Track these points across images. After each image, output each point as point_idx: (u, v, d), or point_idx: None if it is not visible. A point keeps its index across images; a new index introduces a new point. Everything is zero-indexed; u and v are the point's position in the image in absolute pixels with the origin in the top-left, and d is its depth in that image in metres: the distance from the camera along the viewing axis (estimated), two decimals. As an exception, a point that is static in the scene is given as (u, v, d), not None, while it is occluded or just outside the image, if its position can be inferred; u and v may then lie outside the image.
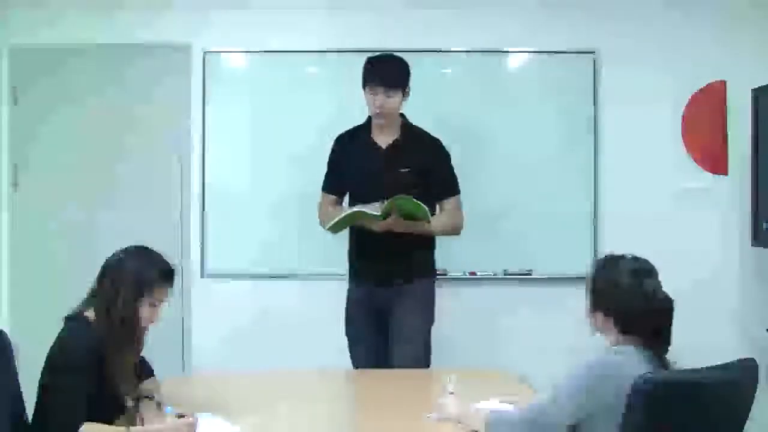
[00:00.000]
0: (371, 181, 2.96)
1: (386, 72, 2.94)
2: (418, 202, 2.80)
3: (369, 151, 3.01)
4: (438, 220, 3.00)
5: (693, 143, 3.78)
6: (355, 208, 2.85)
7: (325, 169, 3.16)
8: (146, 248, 2.09)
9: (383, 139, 3.01)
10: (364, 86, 2.96)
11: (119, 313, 1.97)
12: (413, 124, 3.08)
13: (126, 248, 2.08)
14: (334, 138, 3.15)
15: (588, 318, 1.97)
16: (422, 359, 2.97)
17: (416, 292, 3.03)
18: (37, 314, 3.58)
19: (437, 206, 3.06)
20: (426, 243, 3.07)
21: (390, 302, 3.00)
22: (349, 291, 3.14)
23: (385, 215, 2.80)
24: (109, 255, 2.08)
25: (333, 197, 3.12)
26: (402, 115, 3.05)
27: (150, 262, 2.05)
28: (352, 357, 3.09)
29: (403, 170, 2.95)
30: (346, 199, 3.15)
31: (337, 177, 3.09)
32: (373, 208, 2.82)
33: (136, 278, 2.00)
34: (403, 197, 2.77)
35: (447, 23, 3.77)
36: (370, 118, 3.05)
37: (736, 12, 3.75)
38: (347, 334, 3.11)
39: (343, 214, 2.87)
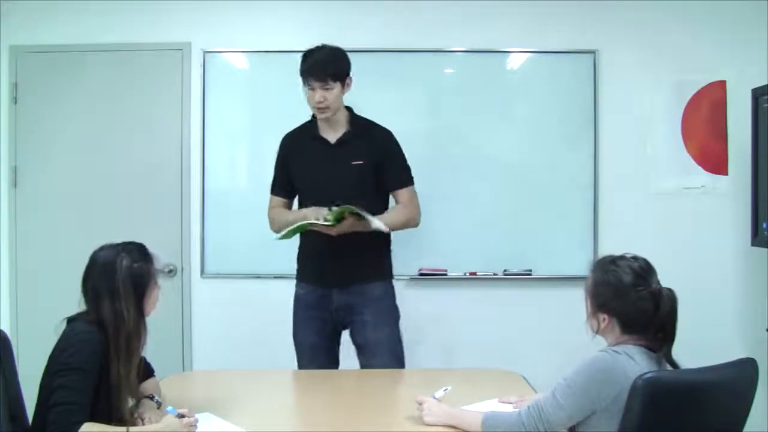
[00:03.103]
0: (321, 177, 2.86)
1: (320, 64, 2.78)
2: (362, 212, 2.68)
3: (317, 147, 2.89)
4: (392, 214, 2.87)
5: (693, 143, 3.78)
6: (304, 222, 2.70)
7: None
8: (116, 245, 2.04)
9: (331, 134, 2.89)
10: (303, 82, 2.82)
11: (129, 324, 1.96)
12: (361, 116, 2.96)
13: (101, 252, 2.02)
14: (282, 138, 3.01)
15: (589, 319, 1.96)
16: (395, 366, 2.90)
17: (376, 297, 2.91)
18: (37, 314, 3.60)
19: (392, 198, 2.97)
20: (381, 242, 2.94)
21: (350, 306, 2.88)
22: (299, 293, 2.99)
23: (337, 220, 2.67)
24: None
25: (283, 200, 2.98)
26: (348, 109, 2.94)
27: (135, 257, 2.01)
28: (300, 361, 2.96)
29: (355, 163, 2.84)
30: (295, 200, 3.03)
31: (286, 178, 2.96)
32: (321, 215, 2.69)
33: (133, 282, 1.98)
34: (350, 207, 2.65)
35: (447, 23, 3.77)
36: (314, 115, 2.92)
37: (735, 12, 3.74)
38: (296, 337, 2.97)
39: (293, 227, 2.73)
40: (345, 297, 2.89)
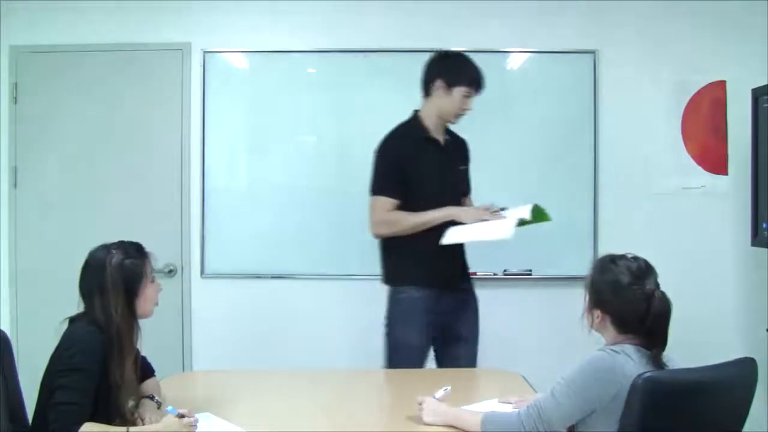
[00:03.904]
0: (441, 179, 2.94)
1: (483, 78, 2.94)
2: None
3: (435, 149, 2.96)
4: None
5: (693, 143, 3.78)
6: (521, 216, 2.82)
7: (377, 171, 2.92)
8: (110, 244, 2.03)
9: (439, 137, 2.99)
10: (454, 84, 2.89)
11: (117, 322, 1.96)
12: None
13: (95, 252, 2.02)
14: (385, 139, 2.94)
15: (585, 316, 1.97)
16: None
17: (473, 291, 3.10)
18: (37, 314, 3.60)
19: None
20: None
21: (461, 304, 3.01)
22: (416, 297, 2.90)
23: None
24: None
25: (399, 202, 2.87)
26: None
27: (126, 255, 2.00)
28: (397, 362, 2.89)
29: (461, 168, 3.04)
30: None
31: (403, 179, 2.87)
32: (518, 213, 2.85)
33: (123, 280, 1.98)
34: (538, 205, 2.85)
35: (447, 23, 3.77)
36: (415, 116, 2.97)
37: (735, 12, 3.74)
38: (407, 341, 2.90)
39: (516, 221, 2.79)
40: (460, 295, 3.01)
